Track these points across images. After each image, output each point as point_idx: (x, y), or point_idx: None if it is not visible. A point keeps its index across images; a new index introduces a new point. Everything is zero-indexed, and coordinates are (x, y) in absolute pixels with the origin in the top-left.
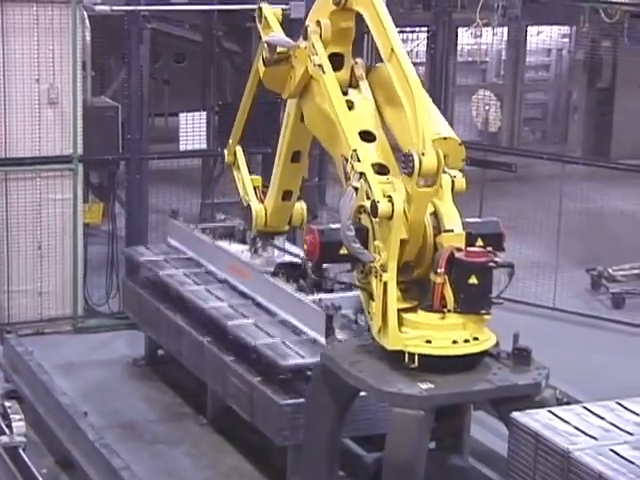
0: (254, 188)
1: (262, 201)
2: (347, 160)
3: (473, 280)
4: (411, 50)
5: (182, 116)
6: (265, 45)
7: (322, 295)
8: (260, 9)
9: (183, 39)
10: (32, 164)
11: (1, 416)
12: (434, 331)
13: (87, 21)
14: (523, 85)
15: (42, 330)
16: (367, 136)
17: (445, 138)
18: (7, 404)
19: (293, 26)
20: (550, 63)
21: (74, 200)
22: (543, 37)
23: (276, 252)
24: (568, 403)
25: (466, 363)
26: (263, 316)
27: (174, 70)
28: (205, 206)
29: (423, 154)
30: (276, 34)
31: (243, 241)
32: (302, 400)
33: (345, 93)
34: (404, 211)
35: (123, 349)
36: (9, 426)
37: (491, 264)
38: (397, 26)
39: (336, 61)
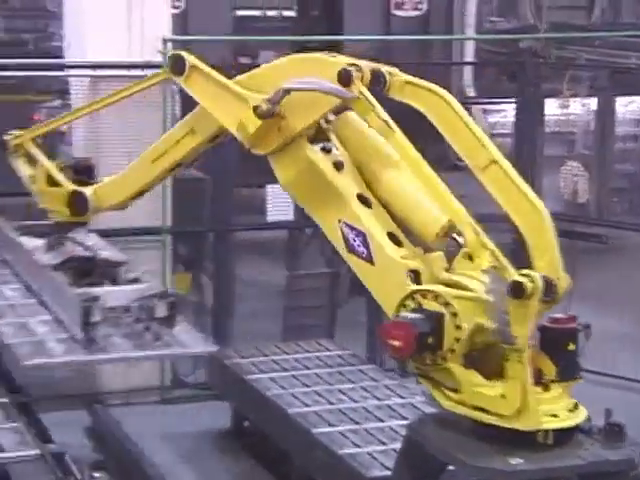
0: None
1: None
2: (347, 225)
3: (571, 347)
4: (496, 122)
5: (269, 187)
6: (270, 98)
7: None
8: (177, 57)
9: None
10: (121, 235)
11: None
12: (553, 405)
13: (177, 95)
14: (612, 156)
15: (130, 400)
16: (364, 200)
17: None
18: (96, 475)
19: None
20: (639, 134)
21: (163, 271)
22: (634, 107)
23: (76, 246)
24: None
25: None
26: (42, 316)
27: None
28: (292, 277)
29: (558, 279)
30: (310, 78)
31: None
32: (389, 473)
33: (329, 149)
34: None
35: (209, 420)
36: None
37: (578, 327)
38: (483, 97)
39: None
